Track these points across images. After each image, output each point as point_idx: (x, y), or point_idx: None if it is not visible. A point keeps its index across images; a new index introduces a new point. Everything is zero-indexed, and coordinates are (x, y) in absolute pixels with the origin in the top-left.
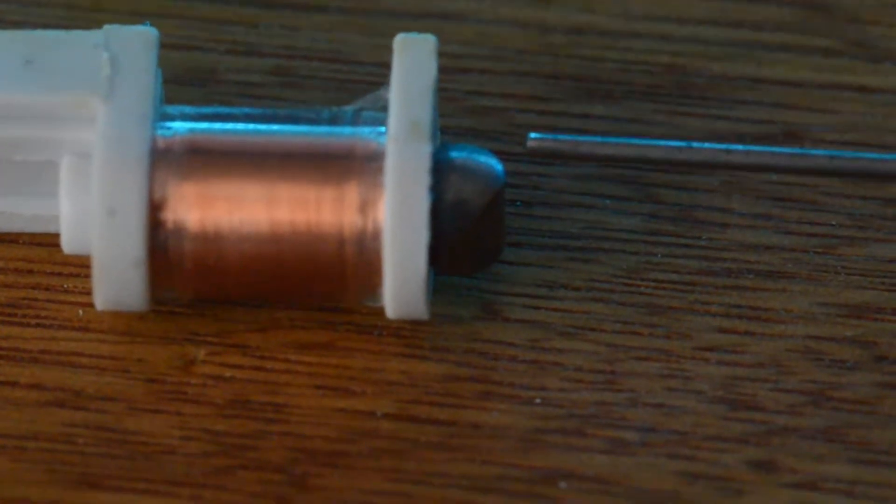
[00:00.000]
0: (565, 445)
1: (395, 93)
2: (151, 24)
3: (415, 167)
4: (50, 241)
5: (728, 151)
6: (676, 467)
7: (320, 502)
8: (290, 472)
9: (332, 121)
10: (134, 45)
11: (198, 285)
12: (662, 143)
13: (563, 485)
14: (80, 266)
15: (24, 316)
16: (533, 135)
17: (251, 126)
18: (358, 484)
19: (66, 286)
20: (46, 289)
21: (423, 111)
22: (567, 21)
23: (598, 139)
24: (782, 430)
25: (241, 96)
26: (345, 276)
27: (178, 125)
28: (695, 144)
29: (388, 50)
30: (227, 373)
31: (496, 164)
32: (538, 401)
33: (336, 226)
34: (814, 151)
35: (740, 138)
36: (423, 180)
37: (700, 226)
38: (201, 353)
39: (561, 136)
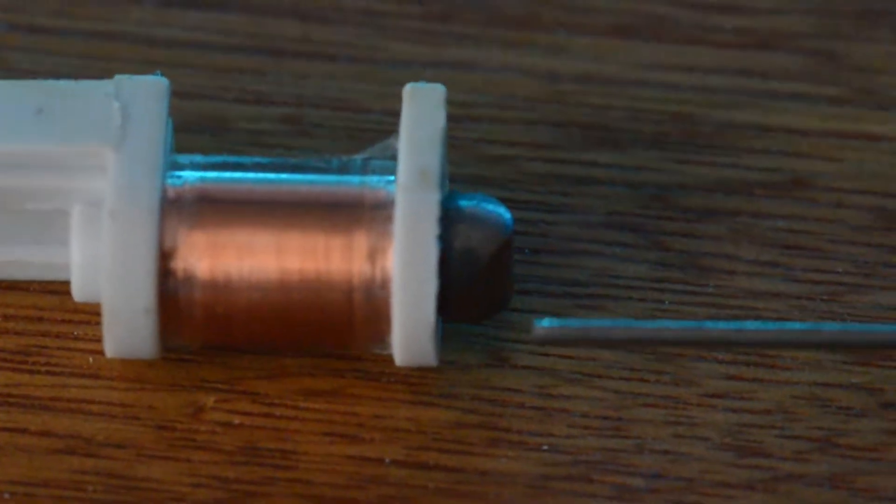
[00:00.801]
0: (572, 492)
1: (404, 141)
2: (162, 74)
3: (423, 216)
4: (60, 289)
5: (739, 331)
6: None
7: None
8: None
9: (342, 169)
10: (145, 94)
11: (207, 333)
12: (672, 323)
13: None
14: (91, 314)
15: (35, 363)
16: (539, 322)
17: (261, 175)
18: None
19: (76, 333)
20: (57, 336)
21: (432, 160)
22: (575, 69)
23: (607, 323)
24: (789, 477)
25: (252, 145)
26: (353, 323)
27: (189, 174)
28: (706, 324)
29: (397, 98)
30: (237, 420)
31: (504, 213)
32: (545, 447)
33: (345, 274)
34: (826, 326)
35: (747, 186)
36: (431, 229)
37: (707, 273)
38: (211, 401)
39: (568, 323)
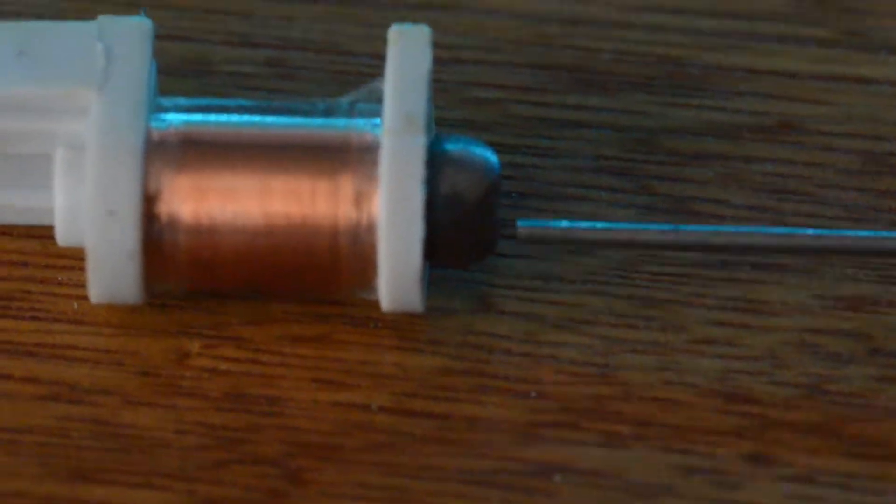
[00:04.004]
0: (560, 439)
1: (390, 84)
2: (146, 15)
3: (410, 159)
4: (44, 234)
5: (716, 234)
6: (671, 460)
7: (315, 496)
8: (285, 466)
9: (327, 113)
10: (128, 36)
11: (192, 278)
12: (650, 226)
13: (557, 478)
14: (75, 259)
15: (19, 309)
16: (521, 222)
17: (246, 118)
18: (353, 477)
19: (60, 279)
20: (41, 281)
21: (418, 103)
22: (562, 12)
23: (588, 225)
24: (778, 424)
25: (236, 87)
26: (339, 268)
27: (173, 117)
28: (684, 228)
29: (383, 41)
30: (222, 366)
31: (491, 156)
32: (533, 394)
33: (330, 218)
34: (800, 231)
35: (735, 129)
36: (418, 173)
37: (695, 217)
38: (196, 347)
39: (551, 223)
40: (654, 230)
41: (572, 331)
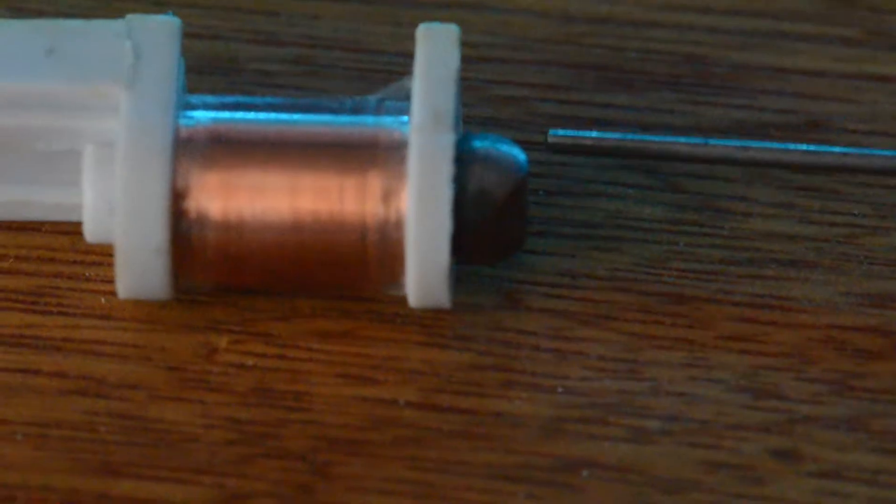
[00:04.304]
0: (587, 434)
1: (418, 82)
2: (174, 13)
3: (438, 157)
4: (72, 230)
5: (745, 148)
6: (698, 456)
7: (342, 490)
8: (312, 461)
9: (355, 110)
10: (157, 34)
11: (220, 274)
12: (681, 139)
13: (585, 473)
14: (103, 255)
15: (47, 304)
16: (553, 131)
17: (273, 115)
18: (379, 472)
19: (88, 274)
20: (69, 277)
21: (446, 101)
22: (589, 10)
23: (618, 135)
24: (805, 420)
25: (263, 85)
26: (367, 264)
27: (201, 114)
28: (712, 141)
29: (411, 39)
30: (250, 361)
31: (519, 154)
32: (560, 390)
33: (358, 215)
34: (827, 148)
35: (762, 128)
36: (446, 170)
37: (723, 215)
38: (223, 342)
39: (581, 133)
40: (683, 142)
41: (599, 327)
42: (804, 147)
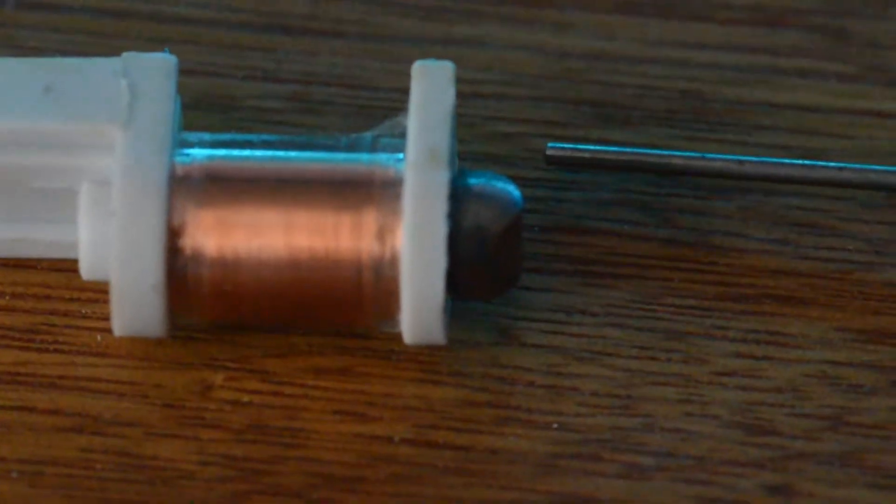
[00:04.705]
0: (582, 470)
1: (413, 119)
2: (170, 51)
3: (433, 194)
4: (68, 267)
5: (742, 162)
6: (693, 492)
7: None
8: (308, 498)
9: (351, 147)
10: (153, 72)
11: (216, 311)
12: (678, 153)
13: None
14: (99, 292)
15: (43, 342)
16: (552, 144)
17: (269, 153)
18: None
19: (84, 312)
20: (65, 314)
21: (441, 138)
22: (584, 46)
23: (617, 149)
24: (799, 455)
25: (260, 122)
26: (362, 302)
27: (197, 152)
28: (710, 156)
29: (407, 76)
30: (245, 398)
31: (514, 191)
32: (555, 426)
33: (354, 252)
34: (824, 164)
35: None
36: (440, 207)
37: (717, 251)
38: (219, 379)
39: (580, 146)
40: (680, 156)
41: (594, 363)
42: (801, 161)
